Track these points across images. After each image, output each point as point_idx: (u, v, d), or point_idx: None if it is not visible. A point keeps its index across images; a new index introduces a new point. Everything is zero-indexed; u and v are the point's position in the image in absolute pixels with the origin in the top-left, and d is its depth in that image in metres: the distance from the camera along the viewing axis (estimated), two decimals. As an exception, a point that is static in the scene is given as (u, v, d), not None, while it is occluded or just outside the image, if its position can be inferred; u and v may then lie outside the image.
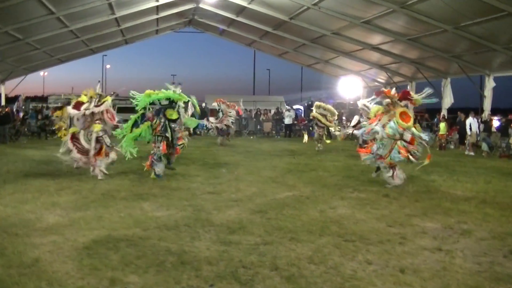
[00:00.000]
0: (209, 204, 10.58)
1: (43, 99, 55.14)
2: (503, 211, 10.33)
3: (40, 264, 6.53)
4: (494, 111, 31.22)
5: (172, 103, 14.39)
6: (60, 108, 16.96)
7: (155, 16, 33.25)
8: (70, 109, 14.50)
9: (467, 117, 26.23)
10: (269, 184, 13.49)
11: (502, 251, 7.47)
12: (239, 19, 33.40)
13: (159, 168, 14.37)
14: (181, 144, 15.44)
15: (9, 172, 15.06)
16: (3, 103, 36.95)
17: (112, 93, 15.40)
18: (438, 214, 9.99)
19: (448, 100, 31.94)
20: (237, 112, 28.73)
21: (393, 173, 13.40)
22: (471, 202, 11.30)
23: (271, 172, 15.99)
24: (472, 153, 24.38)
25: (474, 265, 6.80)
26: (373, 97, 14.76)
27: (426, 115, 39.90)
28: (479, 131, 26.11)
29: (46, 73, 75.41)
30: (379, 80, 40.53)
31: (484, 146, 24.29)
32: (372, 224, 9.10)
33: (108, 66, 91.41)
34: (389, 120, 13.10)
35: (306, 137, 25.37)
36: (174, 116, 14.40)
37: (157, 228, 8.49)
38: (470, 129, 25.24)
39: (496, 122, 30.11)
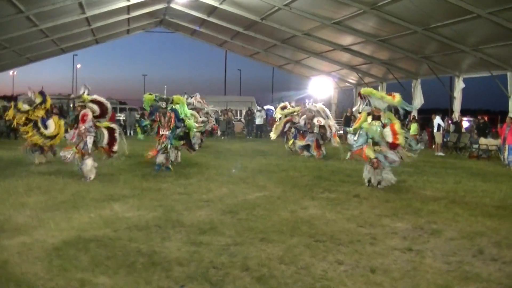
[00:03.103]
0: (179, 205, 10.49)
1: (13, 98, 54.40)
2: (472, 211, 10.43)
3: (8, 266, 6.43)
4: (464, 112, 31.50)
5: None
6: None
7: (126, 16, 33.09)
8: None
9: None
10: (239, 185, 13.42)
11: (471, 251, 7.54)
12: (210, 19, 33.40)
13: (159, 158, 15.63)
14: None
15: (-24, 173, 14.79)
16: (-29, 103, 36.65)
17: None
18: (408, 214, 10.05)
19: (418, 101, 32.18)
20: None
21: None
22: (441, 202, 11.41)
23: (242, 172, 15.97)
24: (441, 153, 24.61)
25: (443, 265, 6.85)
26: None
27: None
28: (442, 130, 26.40)
29: (15, 73, 74.42)
30: (350, 80, 40.76)
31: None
32: (342, 224, 9.12)
33: (78, 66, 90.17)
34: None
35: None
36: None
37: (128, 228, 8.41)
38: (438, 129, 25.49)
39: (465, 123, 30.50)
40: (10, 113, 16.68)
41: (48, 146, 16.98)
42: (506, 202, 11.74)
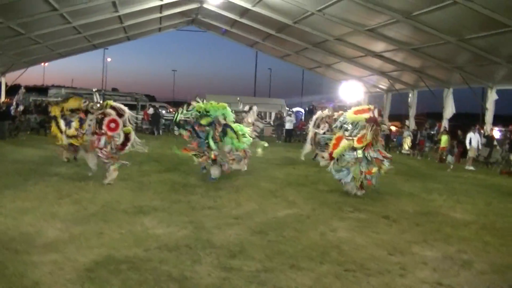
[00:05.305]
0: (209, 222, 10.49)
1: (43, 90, 54.64)
2: (503, 240, 10.28)
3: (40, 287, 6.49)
4: (495, 119, 30.68)
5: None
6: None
7: (158, 15, 33.24)
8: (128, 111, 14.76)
9: (466, 132, 26.09)
10: (269, 199, 13.38)
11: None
12: (243, 20, 33.37)
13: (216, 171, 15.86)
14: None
15: (9, 175, 14.91)
16: (3, 95, 37.07)
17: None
18: (438, 240, 9.95)
19: (449, 110, 31.75)
20: None
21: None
22: (471, 227, 11.27)
23: (271, 184, 15.87)
24: (472, 168, 24.25)
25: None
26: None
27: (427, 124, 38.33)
28: (480, 145, 25.89)
29: (47, 64, 75.05)
30: (380, 86, 40.43)
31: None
32: (372, 250, 9.04)
33: (109, 59, 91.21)
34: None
35: None
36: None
37: (158, 248, 8.43)
38: (470, 143, 25.06)
39: (497, 133, 29.95)
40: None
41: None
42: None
